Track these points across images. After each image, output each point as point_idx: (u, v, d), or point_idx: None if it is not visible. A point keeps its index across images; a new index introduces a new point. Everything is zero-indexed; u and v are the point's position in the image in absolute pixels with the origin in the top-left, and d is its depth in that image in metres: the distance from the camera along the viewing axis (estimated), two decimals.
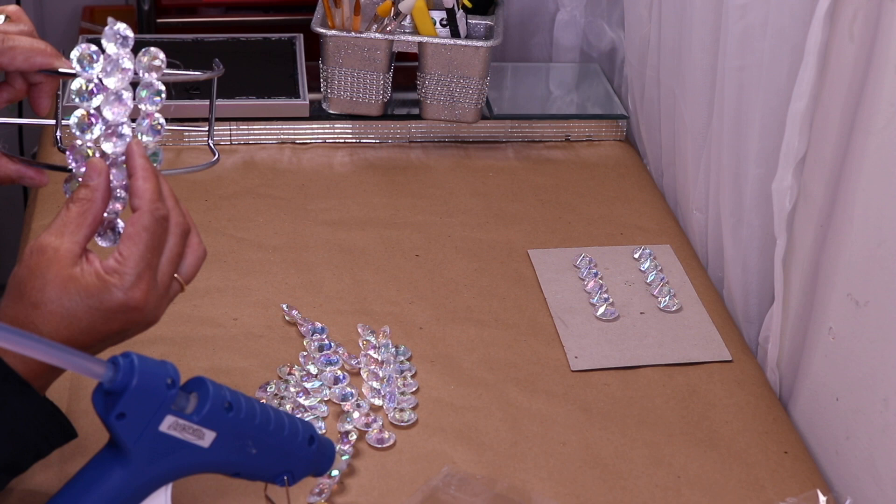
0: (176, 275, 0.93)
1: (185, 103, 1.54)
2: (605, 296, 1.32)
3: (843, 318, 1.09)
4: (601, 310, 1.30)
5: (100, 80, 0.94)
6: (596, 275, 1.35)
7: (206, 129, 1.09)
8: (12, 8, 0.99)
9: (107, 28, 0.94)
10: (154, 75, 0.95)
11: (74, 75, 0.94)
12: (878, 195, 1.03)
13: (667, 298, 1.32)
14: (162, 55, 0.95)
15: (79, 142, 0.94)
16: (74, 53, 0.94)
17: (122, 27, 0.94)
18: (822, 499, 1.05)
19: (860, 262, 1.06)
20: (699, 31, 1.35)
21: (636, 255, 1.40)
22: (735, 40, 1.23)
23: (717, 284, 1.38)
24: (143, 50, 0.95)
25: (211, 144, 1.05)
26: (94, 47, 0.94)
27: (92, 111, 0.94)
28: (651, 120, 1.58)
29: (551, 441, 1.13)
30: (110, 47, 0.94)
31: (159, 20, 1.98)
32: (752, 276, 1.29)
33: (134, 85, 0.96)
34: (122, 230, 0.95)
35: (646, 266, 1.37)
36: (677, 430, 1.15)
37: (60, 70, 0.96)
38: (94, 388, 0.86)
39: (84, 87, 0.94)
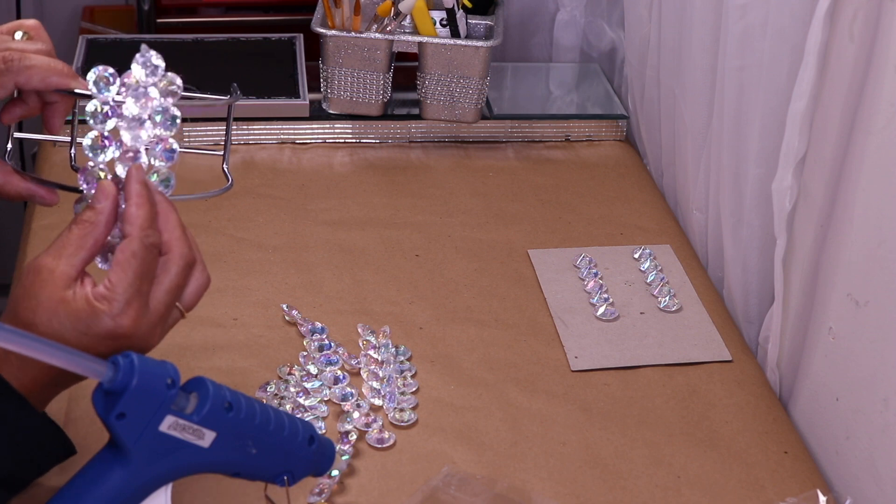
0: (177, 304, 0.93)
1: (186, 104, 1.53)
2: (605, 296, 1.32)
3: (843, 318, 1.09)
4: (601, 310, 1.30)
5: (115, 102, 0.94)
6: (596, 275, 1.35)
7: (211, 150, 1.08)
8: (31, 22, 0.99)
9: (138, 55, 0.93)
10: (170, 100, 0.95)
11: (90, 97, 0.95)
12: (878, 195, 1.03)
13: (667, 298, 1.32)
14: (178, 80, 0.95)
15: (91, 163, 0.94)
16: (91, 76, 0.94)
17: (154, 55, 0.94)
18: (822, 499, 1.05)
19: (860, 262, 1.06)
20: (699, 31, 1.35)
21: (636, 255, 1.40)
22: (735, 40, 1.23)
23: (717, 284, 1.38)
24: (161, 75, 0.94)
25: (226, 169, 1.04)
26: (111, 70, 0.94)
27: (106, 134, 0.94)
28: (651, 120, 1.58)
29: (551, 441, 1.13)
30: (138, 71, 0.94)
31: (159, 20, 1.98)
32: (752, 276, 1.29)
33: None
34: None
35: (646, 266, 1.37)
36: (677, 430, 1.15)
37: (76, 91, 0.96)
38: (93, 389, 0.86)
39: (99, 110, 0.94)
